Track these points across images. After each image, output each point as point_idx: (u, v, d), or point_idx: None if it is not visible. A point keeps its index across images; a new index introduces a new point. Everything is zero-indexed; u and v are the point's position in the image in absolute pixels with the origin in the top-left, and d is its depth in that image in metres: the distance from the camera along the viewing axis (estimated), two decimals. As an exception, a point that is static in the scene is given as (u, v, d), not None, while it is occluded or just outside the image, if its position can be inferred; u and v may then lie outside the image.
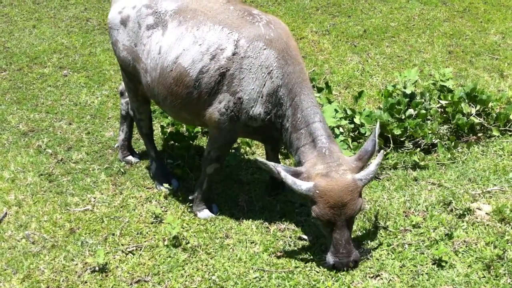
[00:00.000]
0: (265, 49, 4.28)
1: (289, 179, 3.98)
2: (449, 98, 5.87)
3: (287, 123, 4.32)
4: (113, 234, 4.65)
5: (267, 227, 4.67)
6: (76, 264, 4.36)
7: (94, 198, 5.12)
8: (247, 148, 5.77)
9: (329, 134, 4.26)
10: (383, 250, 4.29)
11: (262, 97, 4.30)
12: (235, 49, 4.30)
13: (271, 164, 4.07)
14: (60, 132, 6.16)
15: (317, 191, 3.93)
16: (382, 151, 4.17)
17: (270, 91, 4.29)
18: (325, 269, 4.14)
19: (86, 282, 4.20)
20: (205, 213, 4.84)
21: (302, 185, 3.97)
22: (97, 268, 4.28)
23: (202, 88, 4.39)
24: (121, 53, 4.87)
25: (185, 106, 4.55)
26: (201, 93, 4.41)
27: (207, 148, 4.68)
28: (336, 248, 4.03)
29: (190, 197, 4.95)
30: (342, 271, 4.07)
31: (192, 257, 4.38)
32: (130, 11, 4.74)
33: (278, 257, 4.33)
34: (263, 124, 4.39)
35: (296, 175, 4.07)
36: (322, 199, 3.93)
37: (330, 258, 4.08)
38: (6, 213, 4.95)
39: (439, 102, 5.98)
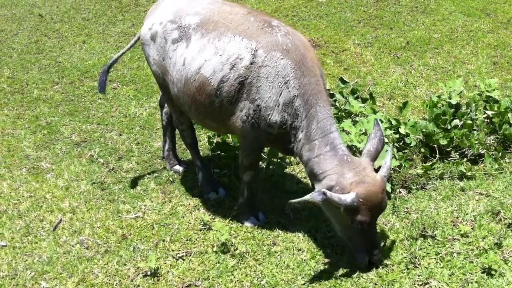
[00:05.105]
0: (282, 58, 4.36)
1: (335, 197, 3.95)
2: (496, 109, 5.83)
3: (301, 134, 4.36)
4: (164, 240, 4.79)
5: (314, 235, 4.73)
6: (129, 268, 4.51)
7: (145, 205, 5.28)
8: (292, 158, 5.84)
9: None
10: (432, 258, 4.29)
11: (278, 106, 4.38)
12: (253, 58, 4.41)
13: (306, 197, 3.99)
14: (111, 143, 6.37)
15: (360, 199, 3.99)
16: (390, 145, 4.23)
17: (286, 101, 4.36)
18: (374, 276, 4.17)
19: (138, 285, 4.34)
20: (251, 221, 4.94)
21: (346, 198, 3.97)
22: (149, 273, 4.42)
23: (223, 96, 4.53)
24: (152, 67, 5.09)
25: (209, 114, 4.72)
26: (222, 102, 4.55)
27: (240, 156, 4.83)
28: (374, 245, 4.21)
29: (235, 207, 5.06)
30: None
31: (240, 263, 4.47)
32: (157, 27, 4.94)
33: (325, 264, 4.38)
34: (279, 132, 4.46)
35: (329, 190, 4.06)
36: (365, 206, 4.01)
37: (364, 257, 4.21)
38: (61, 220, 5.16)
39: (485, 112, 5.94)
